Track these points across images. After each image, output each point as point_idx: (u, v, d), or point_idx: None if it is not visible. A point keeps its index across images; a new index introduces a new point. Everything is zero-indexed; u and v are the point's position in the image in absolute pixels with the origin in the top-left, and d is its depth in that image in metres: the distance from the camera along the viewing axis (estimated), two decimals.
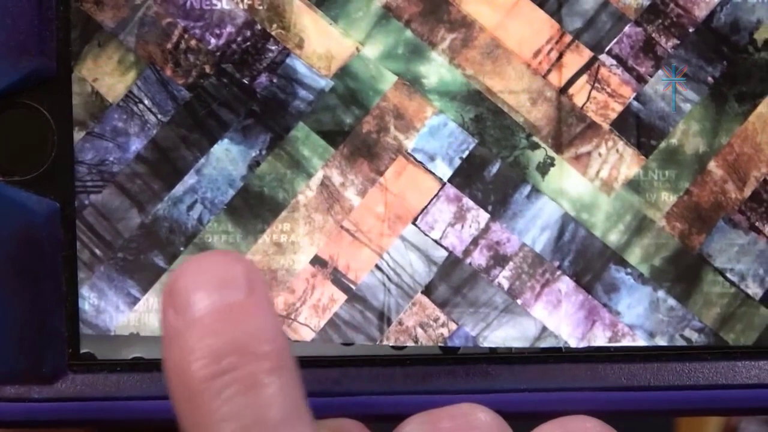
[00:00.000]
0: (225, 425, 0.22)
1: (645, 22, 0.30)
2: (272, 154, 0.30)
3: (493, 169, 0.30)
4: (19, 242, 0.28)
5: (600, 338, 0.30)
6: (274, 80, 0.29)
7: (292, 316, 0.30)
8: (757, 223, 0.30)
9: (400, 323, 0.30)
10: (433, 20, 0.30)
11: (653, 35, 0.30)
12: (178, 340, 0.22)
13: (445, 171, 0.30)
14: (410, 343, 0.30)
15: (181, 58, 0.29)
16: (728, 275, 0.30)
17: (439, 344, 0.30)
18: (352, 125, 0.30)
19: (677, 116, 0.30)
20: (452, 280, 0.30)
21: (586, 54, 0.30)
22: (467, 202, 0.30)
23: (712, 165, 0.30)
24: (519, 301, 0.30)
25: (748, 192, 0.30)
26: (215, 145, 0.29)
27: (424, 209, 0.30)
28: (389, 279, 0.30)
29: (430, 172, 0.30)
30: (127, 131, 0.29)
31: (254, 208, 0.30)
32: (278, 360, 0.22)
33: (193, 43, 0.29)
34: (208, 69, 0.29)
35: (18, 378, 0.28)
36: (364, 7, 0.30)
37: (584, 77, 0.30)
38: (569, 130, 0.30)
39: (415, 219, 0.30)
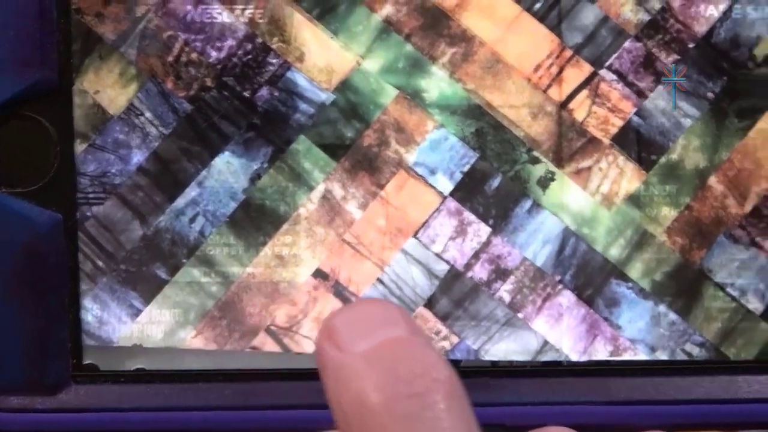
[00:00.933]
0: None
1: (645, 37, 0.30)
2: (273, 167, 0.30)
3: (494, 183, 0.30)
4: (22, 253, 0.28)
5: (601, 352, 0.30)
6: (275, 93, 0.30)
7: (294, 329, 0.30)
8: (757, 239, 0.30)
9: None
10: (433, 34, 0.30)
11: (653, 50, 0.30)
12: (346, 371, 0.23)
13: (446, 185, 0.30)
14: None
15: (183, 70, 0.29)
16: (729, 290, 0.30)
17: None
18: (353, 138, 0.30)
19: (677, 131, 0.30)
20: (454, 294, 0.30)
21: (587, 69, 0.30)
22: (468, 215, 0.30)
23: (712, 180, 0.30)
24: (520, 315, 0.30)
25: (748, 207, 0.30)
26: (216, 158, 0.29)
27: (425, 223, 0.30)
28: (391, 292, 0.30)
29: (431, 185, 0.30)
30: (129, 143, 0.29)
31: (256, 220, 0.30)
32: (453, 387, 0.22)
33: (194, 56, 0.29)
34: (209, 82, 0.30)
35: (22, 389, 0.28)
36: (365, 21, 0.30)
37: (584, 92, 0.30)
38: (570, 144, 0.30)
39: (417, 232, 0.30)
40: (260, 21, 0.30)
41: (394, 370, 0.22)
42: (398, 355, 0.23)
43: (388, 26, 0.30)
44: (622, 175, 0.30)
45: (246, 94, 0.30)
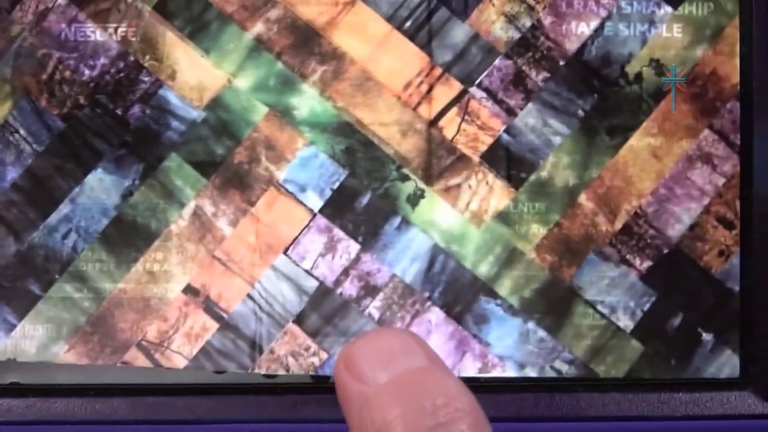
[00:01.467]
0: None
1: (515, 55, 0.30)
2: (145, 184, 0.30)
3: (364, 200, 0.30)
4: None
5: (470, 369, 0.30)
6: (147, 111, 0.30)
7: (165, 344, 0.30)
8: (627, 256, 0.30)
9: (272, 352, 0.30)
10: (304, 53, 0.30)
11: (523, 68, 0.30)
12: (370, 404, 0.23)
13: (316, 202, 0.30)
14: (282, 372, 0.30)
15: (56, 88, 0.30)
16: (599, 308, 0.30)
17: (310, 373, 0.30)
18: (224, 156, 0.30)
19: (547, 149, 0.30)
20: (323, 310, 0.30)
21: (456, 87, 0.30)
22: (338, 232, 0.30)
23: (582, 198, 0.30)
24: None
25: (618, 225, 0.30)
26: (89, 175, 0.30)
27: (295, 239, 0.30)
28: (261, 308, 0.30)
29: (301, 203, 0.30)
30: (3, 160, 0.30)
31: (128, 237, 0.30)
32: (477, 416, 0.23)
33: (67, 74, 0.30)
34: (82, 100, 0.30)
35: None
36: (236, 39, 0.30)
37: (454, 110, 0.30)
38: (439, 162, 0.30)
39: (287, 249, 0.30)
40: (133, 39, 0.30)
41: (417, 402, 0.22)
42: (420, 386, 0.23)
43: (259, 44, 0.30)
44: (491, 193, 0.30)
45: (118, 111, 0.30)
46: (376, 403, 0.23)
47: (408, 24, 0.30)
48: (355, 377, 0.23)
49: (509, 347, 0.30)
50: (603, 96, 0.30)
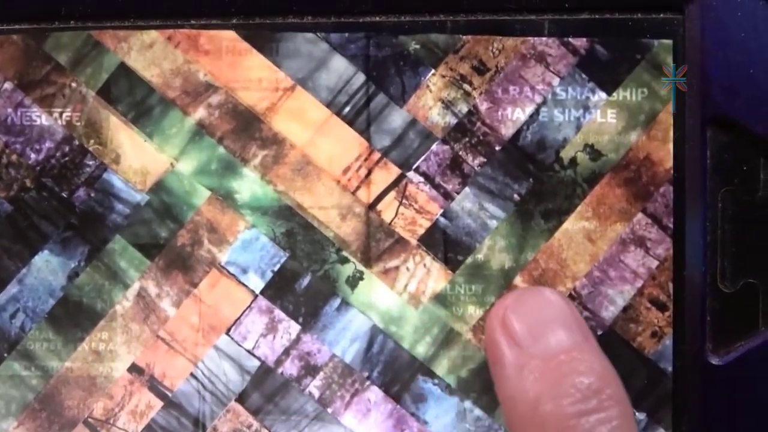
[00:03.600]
0: None
1: (452, 140, 0.30)
2: (90, 266, 0.31)
3: (304, 282, 0.31)
4: None
5: None
6: (92, 194, 0.30)
7: (111, 422, 0.31)
8: None
9: (215, 430, 0.30)
10: (245, 137, 0.30)
11: (460, 153, 0.30)
12: (524, 374, 0.23)
13: (257, 283, 0.31)
14: None
15: (3, 172, 0.30)
16: None
17: None
18: (167, 238, 0.31)
19: (484, 232, 0.30)
20: (265, 389, 0.31)
21: (395, 171, 0.30)
22: (279, 313, 0.31)
23: (518, 280, 0.30)
24: (329, 410, 0.31)
25: None
26: (36, 256, 0.31)
27: (237, 320, 0.31)
28: (204, 387, 0.31)
29: (243, 284, 0.31)
30: None
31: (74, 317, 0.31)
32: (626, 407, 0.23)
33: (14, 157, 0.30)
34: (28, 183, 0.30)
35: None
36: (178, 124, 0.30)
37: (392, 194, 0.30)
38: (378, 245, 0.30)
39: (229, 329, 0.31)
40: (77, 124, 0.30)
41: (571, 383, 0.23)
42: (574, 367, 0.23)
43: (201, 129, 0.30)
44: (429, 275, 0.30)
45: (64, 194, 0.30)
46: (530, 375, 0.24)
47: (347, 109, 0.30)
48: (511, 338, 0.24)
49: (447, 426, 0.30)
50: (538, 180, 0.30)
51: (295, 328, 0.31)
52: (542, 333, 0.24)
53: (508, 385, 0.24)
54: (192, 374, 0.31)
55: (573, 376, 0.23)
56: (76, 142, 0.31)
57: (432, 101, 0.30)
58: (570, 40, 0.30)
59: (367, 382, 0.31)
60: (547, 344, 0.24)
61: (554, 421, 0.23)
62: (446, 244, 0.30)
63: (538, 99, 0.30)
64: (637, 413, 0.30)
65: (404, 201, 0.30)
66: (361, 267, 0.31)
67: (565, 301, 0.25)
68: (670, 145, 0.30)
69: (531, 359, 0.24)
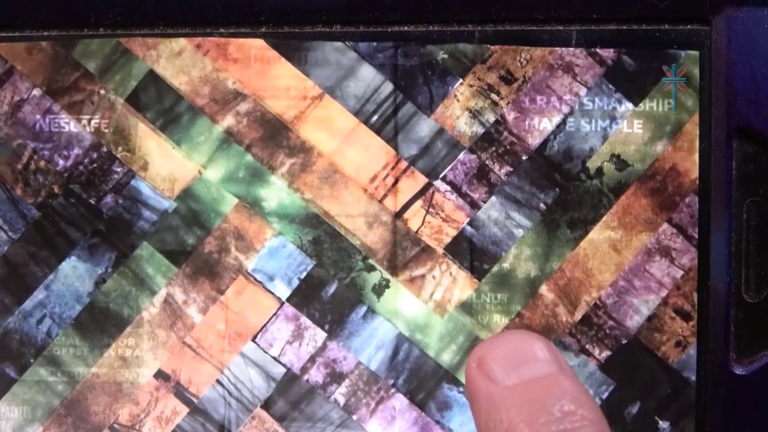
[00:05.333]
0: None
1: (479, 149, 0.30)
2: (117, 272, 0.31)
3: (330, 289, 0.31)
4: None
5: None
6: (120, 201, 0.31)
7: (137, 428, 0.31)
8: (587, 346, 0.31)
9: None
10: (273, 145, 0.31)
11: (487, 162, 0.30)
12: (497, 404, 0.24)
13: (283, 291, 0.31)
14: None
15: (31, 178, 0.31)
16: None
17: None
18: (195, 245, 0.31)
19: (510, 241, 0.31)
20: (290, 396, 0.31)
21: (422, 180, 0.31)
22: (305, 321, 0.31)
23: (543, 289, 0.31)
24: (354, 417, 0.31)
25: (578, 316, 0.31)
26: (63, 263, 0.31)
27: (263, 327, 0.31)
28: (230, 393, 0.31)
29: (270, 291, 0.31)
30: None
31: (100, 323, 0.31)
32: (601, 426, 0.23)
33: (42, 164, 0.31)
34: (56, 189, 0.31)
35: None
36: (207, 132, 0.31)
37: (419, 202, 0.31)
38: (404, 253, 0.31)
39: (255, 336, 0.31)
40: (106, 131, 0.31)
41: (545, 407, 0.23)
42: (548, 392, 0.24)
43: (229, 137, 0.31)
44: (454, 284, 0.31)
45: (92, 201, 0.31)
46: (504, 403, 0.24)
47: (374, 118, 0.30)
48: (486, 376, 0.24)
49: None
50: (564, 190, 0.30)
51: (321, 335, 0.31)
52: (517, 366, 0.25)
53: (482, 418, 0.24)
54: (218, 381, 0.31)
55: (547, 399, 0.24)
56: (104, 149, 0.31)
57: (459, 111, 0.31)
58: (597, 50, 0.30)
59: (392, 390, 0.31)
60: (522, 375, 0.24)
61: None
62: (472, 253, 0.31)
63: (566, 109, 0.30)
64: (660, 422, 0.30)
65: (431, 210, 0.31)
66: (387, 275, 0.31)
67: (539, 338, 0.25)
68: (696, 156, 0.30)
69: (505, 390, 0.24)
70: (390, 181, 0.31)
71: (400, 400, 0.31)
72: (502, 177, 0.31)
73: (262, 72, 0.30)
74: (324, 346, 0.31)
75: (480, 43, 0.30)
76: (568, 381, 0.24)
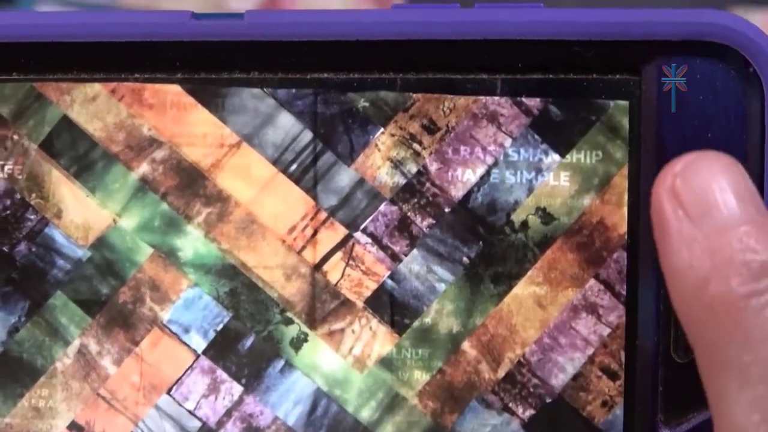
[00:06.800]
0: (750, 347, 0.22)
1: (400, 200, 0.30)
2: (31, 321, 0.30)
3: (247, 342, 0.30)
4: None
5: None
6: (33, 249, 0.30)
7: None
8: (510, 404, 0.30)
9: None
10: (189, 194, 0.30)
11: (408, 214, 0.30)
12: (696, 251, 0.23)
13: (199, 343, 0.30)
14: None
15: None
16: None
17: None
18: (109, 295, 0.30)
19: (432, 295, 0.30)
20: None
21: (341, 231, 0.30)
22: (221, 374, 0.30)
23: (466, 345, 0.30)
24: None
25: (502, 373, 0.30)
26: None
27: (178, 380, 0.30)
28: None
29: (185, 343, 0.30)
30: None
31: (13, 372, 0.30)
32: None
33: None
34: None
35: None
36: (121, 179, 0.30)
37: (339, 254, 0.30)
38: (323, 306, 0.30)
39: (170, 389, 0.30)
40: (19, 177, 0.30)
41: (743, 261, 0.22)
42: (747, 243, 0.22)
43: (144, 185, 0.30)
44: (374, 338, 0.30)
45: (5, 248, 0.30)
46: (698, 250, 0.23)
47: (293, 167, 0.30)
48: (679, 209, 0.23)
49: None
50: (488, 244, 0.30)
51: (237, 389, 0.30)
52: (713, 204, 0.23)
53: (674, 259, 0.23)
54: None
55: (744, 253, 0.22)
56: (18, 196, 0.30)
57: (380, 160, 0.30)
58: (523, 99, 0.29)
59: None
60: (718, 217, 0.23)
61: (723, 302, 0.22)
62: (393, 307, 0.30)
63: (490, 160, 0.29)
64: None
65: (351, 262, 0.30)
66: (305, 329, 0.30)
67: (738, 167, 0.24)
68: (625, 210, 0.29)
69: (699, 232, 0.23)
70: (309, 232, 0.30)
71: None
72: (424, 229, 0.30)
73: (178, 118, 0.30)
74: (240, 400, 0.30)
75: (402, 91, 0.29)
76: (766, 229, 0.22)
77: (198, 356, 0.30)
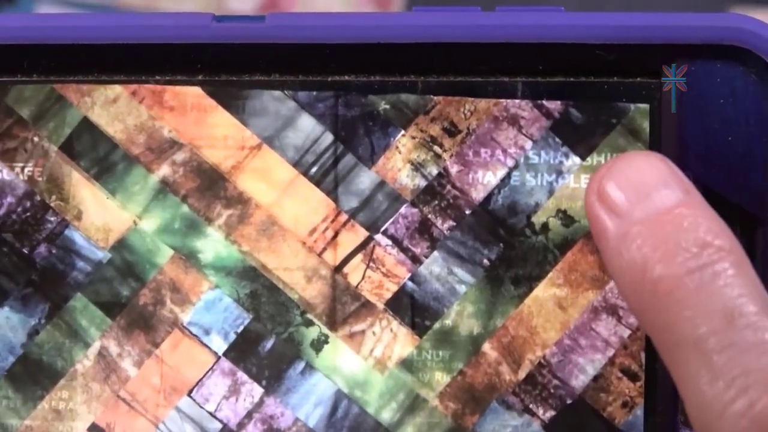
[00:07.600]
0: (700, 321, 0.22)
1: (421, 203, 0.30)
2: (51, 323, 0.30)
3: (268, 344, 0.30)
4: None
5: None
6: (53, 251, 0.30)
7: None
8: (530, 405, 0.30)
9: None
10: (210, 196, 0.30)
11: (429, 216, 0.30)
12: (628, 243, 0.23)
13: (220, 345, 0.30)
14: None
15: None
16: None
17: None
18: (129, 297, 0.30)
19: (452, 297, 0.30)
20: None
21: (362, 233, 0.30)
22: (242, 376, 0.30)
23: (486, 347, 0.30)
24: None
25: (522, 374, 0.30)
26: None
27: (199, 382, 0.30)
28: None
29: (206, 345, 0.30)
30: None
31: (33, 375, 0.30)
32: (739, 255, 0.22)
33: None
34: None
35: None
36: (142, 181, 0.30)
37: (359, 256, 0.30)
38: (343, 308, 0.30)
39: (191, 391, 0.30)
40: (39, 179, 0.30)
41: (677, 241, 0.22)
42: (679, 224, 0.23)
43: (165, 187, 0.30)
44: (395, 340, 0.30)
45: (25, 250, 0.30)
46: (634, 242, 0.23)
47: (314, 170, 0.30)
48: (610, 210, 0.23)
49: None
50: (509, 246, 0.30)
51: (258, 391, 0.30)
52: (642, 197, 0.23)
53: (613, 257, 0.23)
54: None
55: (678, 233, 0.22)
56: (38, 198, 0.30)
57: (401, 163, 0.30)
58: (544, 102, 0.29)
59: None
60: (649, 207, 0.23)
61: (666, 282, 0.22)
62: (413, 309, 0.30)
63: (510, 162, 0.30)
64: None
65: (371, 264, 0.30)
66: (326, 330, 0.30)
67: (659, 158, 0.24)
68: None
69: (633, 226, 0.23)
70: (329, 234, 0.30)
71: None
72: (445, 231, 0.30)
73: (198, 120, 0.30)
74: (261, 402, 0.30)
75: (423, 94, 0.29)
76: (699, 208, 0.23)
77: (219, 358, 0.30)
